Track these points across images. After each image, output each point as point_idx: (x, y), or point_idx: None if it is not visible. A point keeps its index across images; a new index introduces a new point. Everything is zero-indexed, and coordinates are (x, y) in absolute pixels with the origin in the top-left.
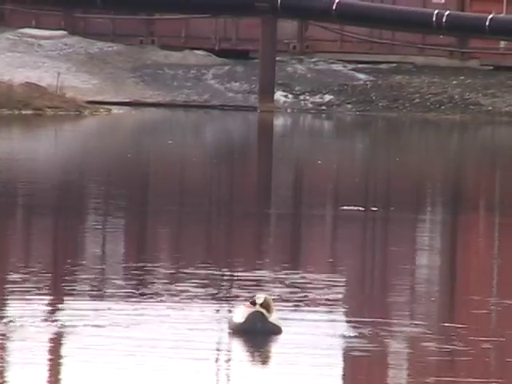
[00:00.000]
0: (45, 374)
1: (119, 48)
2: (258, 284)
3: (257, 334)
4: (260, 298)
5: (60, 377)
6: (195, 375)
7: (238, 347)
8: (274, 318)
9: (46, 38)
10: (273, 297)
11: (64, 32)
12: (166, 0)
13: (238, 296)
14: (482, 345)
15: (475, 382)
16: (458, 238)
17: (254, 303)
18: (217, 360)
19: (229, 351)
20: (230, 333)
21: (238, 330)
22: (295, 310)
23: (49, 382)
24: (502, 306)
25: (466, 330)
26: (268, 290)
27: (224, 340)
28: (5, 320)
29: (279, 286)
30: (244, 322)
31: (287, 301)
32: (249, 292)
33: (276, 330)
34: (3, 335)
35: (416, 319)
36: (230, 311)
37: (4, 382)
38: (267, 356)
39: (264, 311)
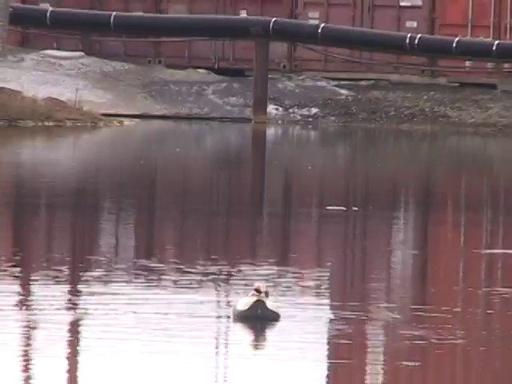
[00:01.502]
0: (63, 359)
1: (130, 67)
2: (255, 275)
3: (257, 320)
4: (263, 286)
5: (78, 360)
6: (197, 356)
7: (238, 331)
8: (273, 305)
9: (65, 59)
10: (267, 284)
11: (81, 53)
12: (171, 24)
13: (237, 285)
14: (450, 329)
15: (444, 365)
16: (428, 233)
17: (258, 291)
18: (217, 343)
19: (229, 335)
20: (233, 319)
21: (240, 317)
22: (285, 298)
23: (68, 365)
24: (469, 294)
25: (436, 316)
26: (266, 279)
27: (226, 325)
28: (28, 307)
29: (272, 276)
30: (247, 310)
31: (281, 289)
32: (247, 281)
33: (275, 317)
34: (28, 321)
35: (391, 305)
36: (229, 301)
37: (28, 365)
38: (262, 338)
39: (265, 300)
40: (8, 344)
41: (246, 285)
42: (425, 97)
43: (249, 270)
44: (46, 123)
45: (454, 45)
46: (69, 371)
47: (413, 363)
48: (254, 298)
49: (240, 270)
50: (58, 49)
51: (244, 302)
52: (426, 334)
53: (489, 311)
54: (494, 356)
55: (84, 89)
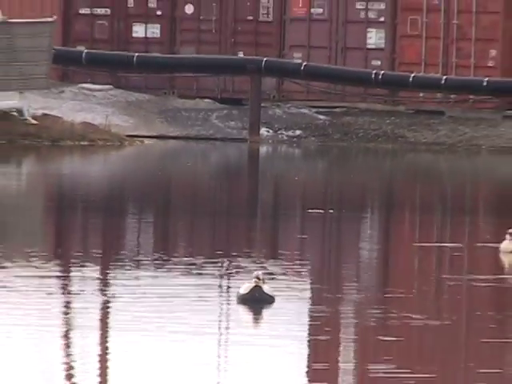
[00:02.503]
0: (96, 334)
1: (149, 97)
2: (253, 264)
3: (255, 302)
4: (261, 274)
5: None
6: (204, 331)
7: (238, 311)
8: (269, 290)
9: (97, 91)
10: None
11: (110, 86)
12: (182, 63)
13: (239, 274)
14: (408, 309)
15: (402, 341)
16: (390, 230)
17: (258, 278)
18: (220, 321)
19: (230, 313)
20: (236, 301)
21: (241, 300)
22: (278, 283)
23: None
24: (426, 281)
25: (398, 297)
26: (263, 268)
27: (229, 306)
28: (68, 290)
29: (266, 265)
30: (247, 294)
31: (274, 276)
32: (246, 271)
33: (270, 300)
34: (67, 302)
35: (360, 289)
36: (229, 287)
37: (68, 340)
38: (259, 317)
39: (262, 285)
40: (50, 321)
41: (245, 273)
42: (387, 121)
43: (247, 261)
44: (82, 143)
45: (411, 79)
46: (101, 346)
47: (385, 338)
48: (253, 284)
49: (240, 261)
50: (91, 83)
51: (245, 287)
52: (391, 312)
53: (439, 293)
54: (447, 331)
55: (112, 115)
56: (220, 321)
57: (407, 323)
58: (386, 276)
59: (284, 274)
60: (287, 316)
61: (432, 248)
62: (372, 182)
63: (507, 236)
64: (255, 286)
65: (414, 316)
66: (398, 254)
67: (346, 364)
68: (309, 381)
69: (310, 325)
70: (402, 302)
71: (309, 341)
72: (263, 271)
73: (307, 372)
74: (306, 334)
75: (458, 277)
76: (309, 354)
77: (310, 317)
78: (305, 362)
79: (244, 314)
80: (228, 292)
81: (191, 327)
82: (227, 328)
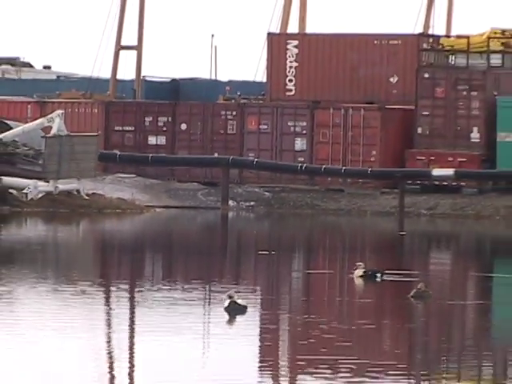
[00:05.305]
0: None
1: (159, 182)
2: (228, 287)
3: (233, 311)
4: (234, 293)
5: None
6: (199, 325)
7: (222, 316)
8: (242, 302)
9: (126, 178)
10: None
11: (135, 175)
12: (179, 161)
13: (221, 294)
14: (321, 316)
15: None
16: (312, 265)
17: (231, 296)
18: (210, 323)
19: (212, 316)
20: (223, 310)
21: (225, 309)
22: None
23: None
24: (344, 302)
25: (315, 307)
26: (232, 289)
27: (216, 312)
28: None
29: (235, 288)
30: (228, 306)
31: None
32: (223, 292)
33: (244, 310)
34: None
35: (294, 302)
36: (210, 301)
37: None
38: (235, 319)
39: (237, 300)
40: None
41: (224, 292)
42: (308, 196)
43: (223, 285)
44: (117, 211)
45: (322, 169)
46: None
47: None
48: (231, 299)
49: (220, 284)
50: (122, 173)
51: (227, 301)
52: (313, 318)
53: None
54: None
55: (136, 193)
56: (211, 322)
57: (334, 326)
58: (305, 293)
59: (246, 291)
60: (255, 319)
61: (321, 275)
62: (298, 233)
63: (357, 266)
64: (232, 301)
65: (330, 320)
66: (318, 282)
67: (291, 353)
68: (264, 361)
69: (268, 326)
70: (316, 312)
71: (265, 338)
72: (235, 290)
73: (265, 354)
74: (264, 331)
75: (328, 291)
76: (265, 344)
77: (269, 320)
78: (263, 348)
79: (226, 317)
80: (215, 304)
81: (193, 326)
82: (216, 326)
